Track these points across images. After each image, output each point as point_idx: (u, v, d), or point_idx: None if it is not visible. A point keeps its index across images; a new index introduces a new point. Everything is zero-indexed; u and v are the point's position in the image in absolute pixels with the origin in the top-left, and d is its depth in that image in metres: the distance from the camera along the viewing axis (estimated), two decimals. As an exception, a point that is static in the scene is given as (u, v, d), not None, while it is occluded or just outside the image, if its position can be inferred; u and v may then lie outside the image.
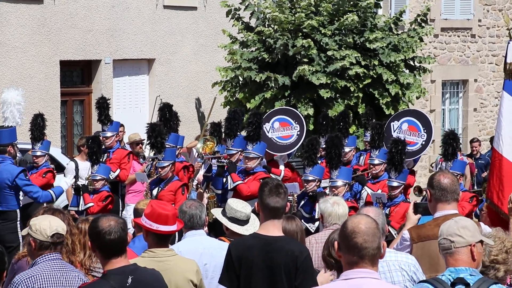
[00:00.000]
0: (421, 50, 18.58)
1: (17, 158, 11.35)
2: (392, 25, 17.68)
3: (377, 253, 4.33)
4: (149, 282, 5.22)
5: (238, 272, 5.92)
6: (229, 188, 11.65)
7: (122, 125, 14.90)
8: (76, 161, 13.59)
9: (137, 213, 7.13)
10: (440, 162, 12.37)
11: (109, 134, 13.06)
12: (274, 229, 5.94)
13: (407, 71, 17.67)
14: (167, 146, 12.13)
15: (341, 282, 4.35)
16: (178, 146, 12.67)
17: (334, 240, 5.61)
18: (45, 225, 5.76)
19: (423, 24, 17.95)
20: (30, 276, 5.63)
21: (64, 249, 6.16)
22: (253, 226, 7.06)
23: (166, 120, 12.79)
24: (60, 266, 5.73)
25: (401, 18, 17.86)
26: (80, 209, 11.59)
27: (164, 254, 6.07)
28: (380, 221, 6.13)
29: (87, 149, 12.22)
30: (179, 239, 8.47)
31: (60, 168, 13.59)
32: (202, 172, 12.55)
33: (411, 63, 17.81)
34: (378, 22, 17.57)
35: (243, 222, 7.09)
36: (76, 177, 13.18)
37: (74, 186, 12.04)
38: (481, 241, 4.93)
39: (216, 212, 7.27)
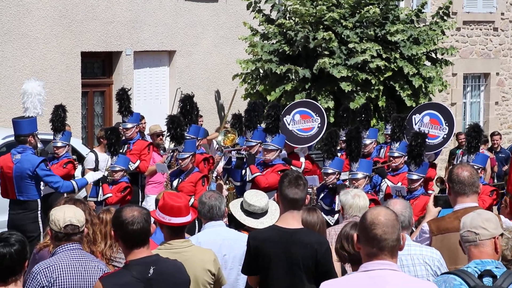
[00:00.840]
0: (442, 43, 18.49)
1: (38, 148, 11.39)
2: (414, 18, 17.61)
3: (397, 245, 4.33)
4: (170, 273, 5.22)
5: (257, 263, 5.94)
6: (247, 180, 11.64)
7: (143, 117, 14.94)
8: (95, 152, 13.63)
9: (157, 203, 7.15)
10: (461, 155, 12.31)
11: (129, 125, 13.07)
12: (293, 221, 5.94)
13: (428, 64, 17.59)
14: (187, 137, 12.13)
15: (361, 273, 4.35)
16: (198, 138, 12.68)
17: (347, 233, 5.60)
18: (59, 216, 5.78)
19: (445, 18, 17.86)
20: (48, 266, 5.65)
21: (85, 239, 6.19)
22: (271, 218, 7.06)
23: (187, 111, 12.79)
24: (80, 256, 5.75)
25: (423, 11, 17.78)
26: (98, 200, 11.62)
27: (181, 246, 6.06)
28: (407, 214, 6.11)
29: (106, 140, 12.25)
30: (200, 230, 8.49)
31: (81, 159, 13.64)
32: (222, 164, 12.56)
33: (433, 55, 17.73)
34: (400, 14, 17.51)
35: (258, 215, 7.09)
36: (96, 168, 13.22)
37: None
38: (502, 234, 4.93)
39: (233, 206, 7.28)
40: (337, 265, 6.04)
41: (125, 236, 5.18)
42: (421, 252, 6.03)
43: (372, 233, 4.31)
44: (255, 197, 7.21)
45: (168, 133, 12.12)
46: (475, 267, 4.79)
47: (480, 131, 12.17)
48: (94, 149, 14.06)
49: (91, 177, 11.80)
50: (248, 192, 7.41)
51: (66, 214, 5.77)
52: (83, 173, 13.35)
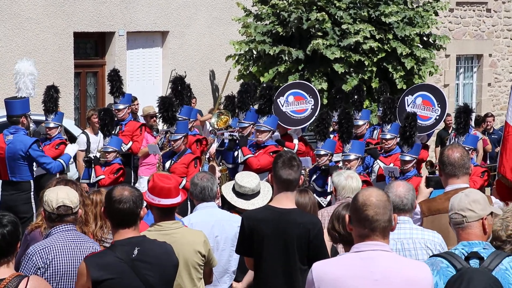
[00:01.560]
0: (437, 28, 18.46)
1: (31, 129, 11.37)
2: (408, -1, 17.59)
3: (388, 226, 4.34)
4: (156, 254, 5.19)
5: (252, 243, 5.95)
6: (239, 162, 11.65)
7: (136, 98, 14.91)
8: (87, 133, 13.61)
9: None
10: (453, 137, 12.33)
11: (121, 106, 13.06)
12: (287, 201, 5.96)
13: (421, 46, 17.58)
14: (179, 119, 12.11)
15: (353, 254, 4.36)
16: (191, 119, 12.66)
17: (339, 213, 5.61)
18: (52, 197, 5.77)
19: (438, -3, 17.85)
20: (44, 247, 5.65)
21: (77, 220, 6.19)
22: (262, 200, 7.07)
23: (178, 92, 12.77)
24: (75, 237, 5.75)
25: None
26: (91, 181, 11.61)
27: (170, 227, 6.06)
28: (410, 197, 6.10)
29: (99, 121, 12.22)
30: (192, 211, 8.49)
31: (73, 140, 13.61)
32: (215, 146, 12.55)
33: (425, 39, 17.72)
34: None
35: (249, 196, 7.10)
36: (87, 150, 13.20)
37: (85, 159, 12.06)
38: (491, 213, 4.94)
39: (225, 188, 7.28)
40: (328, 246, 6.06)
41: (111, 214, 5.18)
42: (423, 236, 6.01)
43: (363, 214, 4.32)
44: (246, 179, 7.22)
45: (160, 115, 12.11)
46: (462, 248, 4.81)
47: (469, 112, 12.19)
48: (85, 130, 14.04)
49: (71, 149, 11.76)
50: (239, 173, 7.42)
51: (59, 195, 5.77)
52: (75, 156, 13.33)
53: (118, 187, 5.27)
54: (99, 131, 12.84)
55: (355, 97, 13.54)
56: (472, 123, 16.22)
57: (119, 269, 5.06)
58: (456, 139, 11.92)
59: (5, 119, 11.61)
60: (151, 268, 5.13)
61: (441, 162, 6.34)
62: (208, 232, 6.69)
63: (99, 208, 7.08)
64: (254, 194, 7.14)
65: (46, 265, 5.61)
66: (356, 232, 4.37)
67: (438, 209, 6.26)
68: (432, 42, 17.76)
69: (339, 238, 5.28)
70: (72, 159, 12.10)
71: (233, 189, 7.22)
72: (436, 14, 17.85)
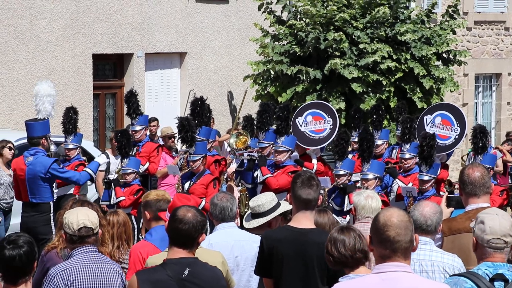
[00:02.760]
0: (456, 44, 18.45)
1: (51, 150, 11.42)
2: (424, 18, 17.58)
3: (410, 246, 4.31)
4: (205, 277, 5.25)
5: (271, 264, 5.94)
6: (258, 181, 11.65)
7: (156, 119, 14.96)
8: (107, 154, 13.65)
9: (147, 204, 7.09)
10: (473, 156, 12.29)
11: (138, 127, 13.10)
12: (306, 221, 5.94)
13: (439, 63, 17.56)
14: (198, 139, 12.14)
15: (374, 275, 4.34)
16: (210, 140, 12.68)
17: (332, 236, 5.47)
18: (73, 219, 5.78)
19: (455, 16, 17.83)
20: (65, 269, 5.66)
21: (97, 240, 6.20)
22: (262, 220, 7.02)
23: (197, 114, 12.80)
24: (96, 258, 5.77)
25: (433, 11, 17.75)
26: (111, 203, 11.63)
27: None
28: (435, 219, 6.02)
29: (117, 143, 12.25)
30: (211, 232, 8.48)
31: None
32: (234, 166, 12.55)
33: (445, 55, 17.70)
34: (410, 13, 17.50)
35: (254, 215, 7.07)
36: (107, 170, 13.22)
37: (105, 180, 12.09)
38: None
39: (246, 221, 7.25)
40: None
41: (170, 230, 5.29)
42: (442, 259, 5.95)
43: (385, 235, 4.29)
44: (255, 198, 7.22)
45: (179, 135, 12.13)
46: (486, 269, 4.75)
47: (485, 132, 12.19)
48: (106, 151, 14.08)
49: (101, 158, 11.82)
50: (252, 200, 7.39)
51: (79, 217, 5.78)
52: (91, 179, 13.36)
53: (184, 207, 5.37)
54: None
55: (374, 116, 13.53)
56: (492, 142, 16.16)
57: (168, 287, 5.12)
58: (475, 159, 11.89)
59: (25, 140, 11.68)
60: None
61: (461, 181, 6.29)
62: (228, 252, 6.68)
63: (116, 229, 7.10)
64: (259, 214, 7.08)
65: (67, 286, 5.62)
66: (377, 253, 4.34)
67: (459, 229, 6.21)
68: (452, 58, 17.73)
69: (333, 261, 5.25)
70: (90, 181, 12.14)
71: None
72: (454, 32, 17.83)
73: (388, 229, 4.29)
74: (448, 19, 17.82)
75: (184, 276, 5.14)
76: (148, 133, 13.65)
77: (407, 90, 16.88)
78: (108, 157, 13.47)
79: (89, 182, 12.80)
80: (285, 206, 7.00)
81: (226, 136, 14.72)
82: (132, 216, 11.34)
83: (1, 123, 16.07)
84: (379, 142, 13.06)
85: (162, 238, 6.77)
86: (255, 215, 7.04)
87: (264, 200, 7.01)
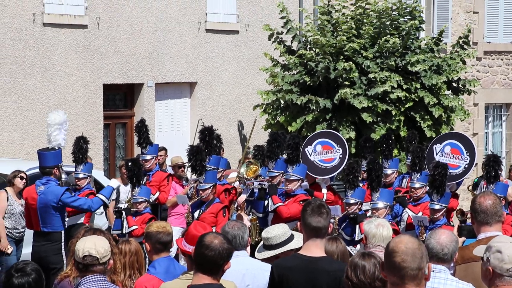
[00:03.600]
0: (465, 72, 18.48)
1: (63, 179, 11.46)
2: (434, 46, 17.62)
3: (418, 274, 4.28)
4: None
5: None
6: (269, 210, 11.65)
7: (164, 149, 14.98)
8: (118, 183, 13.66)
9: (147, 236, 7.02)
10: (484, 186, 12.27)
11: (148, 157, 13.13)
12: (316, 249, 5.94)
13: (449, 92, 17.58)
14: (208, 168, 12.16)
15: (387, 303, 4.33)
16: (220, 169, 12.69)
17: (353, 261, 5.48)
18: (80, 246, 5.78)
19: (465, 46, 17.87)
20: (73, 298, 5.68)
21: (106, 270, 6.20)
22: (274, 252, 7.02)
23: (207, 142, 12.83)
24: (103, 287, 5.75)
25: (441, 39, 17.80)
26: (124, 232, 11.64)
27: None
28: (451, 248, 5.98)
29: (127, 172, 12.26)
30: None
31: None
32: (244, 196, 12.56)
33: (455, 85, 17.73)
34: (420, 43, 17.54)
35: (267, 247, 7.06)
36: (117, 199, 13.25)
37: (115, 209, 12.11)
38: None
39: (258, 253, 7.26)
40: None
41: (196, 256, 5.31)
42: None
43: (392, 260, 4.30)
44: (265, 232, 7.21)
45: (189, 164, 12.15)
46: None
47: (498, 161, 12.18)
48: (115, 179, 14.09)
49: (114, 182, 11.85)
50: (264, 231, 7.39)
51: (85, 245, 5.77)
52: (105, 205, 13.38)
53: (212, 233, 5.40)
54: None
55: (384, 145, 13.53)
56: (504, 172, 16.14)
57: None
58: (487, 188, 11.87)
59: (36, 170, 11.72)
60: None
61: (473, 210, 6.27)
62: (240, 281, 6.67)
63: (128, 257, 7.10)
64: (271, 246, 7.07)
65: (75, 315, 5.62)
66: (389, 280, 4.34)
67: (471, 257, 6.18)
68: (462, 87, 17.75)
69: (351, 286, 5.22)
70: (102, 209, 12.16)
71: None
72: (464, 62, 17.87)
73: (395, 255, 4.29)
74: (458, 49, 17.86)
75: None
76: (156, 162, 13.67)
77: (417, 119, 16.89)
78: (118, 188, 13.47)
79: (98, 212, 12.82)
80: (297, 243, 6.99)
81: (232, 178, 14.43)
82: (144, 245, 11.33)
83: (12, 153, 16.13)
84: (388, 171, 13.04)
85: (166, 270, 6.76)
86: (267, 247, 7.04)
87: (277, 232, 7.00)
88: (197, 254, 5.28)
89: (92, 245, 5.78)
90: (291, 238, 7.02)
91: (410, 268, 4.26)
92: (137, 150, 16.96)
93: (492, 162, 12.04)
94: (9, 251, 12.04)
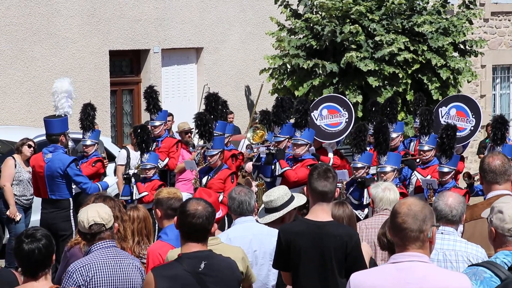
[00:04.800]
0: (472, 33, 18.38)
1: (69, 147, 11.47)
2: (440, 8, 17.53)
3: (419, 236, 4.28)
4: (221, 269, 5.27)
5: (289, 257, 5.96)
6: (277, 174, 11.66)
7: (170, 114, 14.97)
8: (128, 149, 13.68)
9: (158, 202, 6.99)
10: (491, 147, 12.25)
11: (157, 123, 13.11)
12: (323, 214, 5.95)
13: (456, 54, 17.51)
14: (215, 134, 12.16)
15: (389, 265, 4.35)
16: (226, 134, 12.69)
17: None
18: (83, 217, 5.80)
19: (471, 6, 17.77)
20: (84, 265, 5.68)
21: (116, 235, 6.23)
22: (278, 214, 7.03)
23: (212, 108, 12.81)
24: (115, 253, 5.78)
25: (448, 1, 17.70)
26: (134, 198, 11.68)
27: (209, 243, 6.05)
28: (459, 209, 6.02)
29: (136, 138, 12.28)
30: (229, 226, 8.50)
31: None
32: (251, 162, 12.56)
33: (462, 46, 17.64)
34: (426, 5, 17.44)
35: (273, 210, 7.07)
36: (127, 165, 13.26)
37: (124, 175, 12.14)
38: None
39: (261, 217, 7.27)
40: (367, 258, 6.04)
41: (183, 226, 5.27)
42: (466, 249, 5.94)
43: (394, 221, 4.33)
44: (268, 192, 7.21)
45: (197, 131, 12.15)
46: (503, 258, 4.76)
47: (505, 122, 12.16)
48: (126, 146, 14.12)
49: (110, 180, 11.94)
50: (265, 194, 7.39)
51: (89, 215, 5.78)
52: (115, 170, 13.42)
53: (192, 200, 5.36)
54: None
55: (388, 109, 13.48)
56: (510, 133, 16.09)
57: (185, 282, 5.14)
58: (493, 149, 11.85)
59: (44, 138, 11.74)
60: (215, 282, 5.21)
61: (482, 170, 6.34)
62: (247, 246, 6.70)
63: (136, 224, 7.12)
64: (272, 209, 7.08)
65: (86, 283, 5.64)
66: (394, 242, 4.37)
67: (480, 215, 6.23)
68: (469, 48, 17.67)
69: (387, 245, 5.25)
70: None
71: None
72: (471, 22, 17.77)
73: (397, 216, 4.31)
74: (464, 9, 17.76)
75: (200, 269, 5.16)
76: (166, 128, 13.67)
77: (425, 81, 16.83)
78: (128, 153, 13.49)
79: (109, 181, 12.90)
80: (299, 200, 7.01)
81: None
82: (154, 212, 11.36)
83: (19, 120, 16.16)
84: (394, 135, 13.00)
85: (177, 236, 6.77)
86: (269, 210, 7.05)
87: (277, 194, 7.00)
88: (184, 223, 5.24)
89: (95, 213, 5.79)
90: (292, 198, 7.04)
91: (410, 229, 4.27)
92: (144, 117, 16.98)
93: (499, 124, 12.02)
94: (17, 218, 12.11)
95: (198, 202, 5.32)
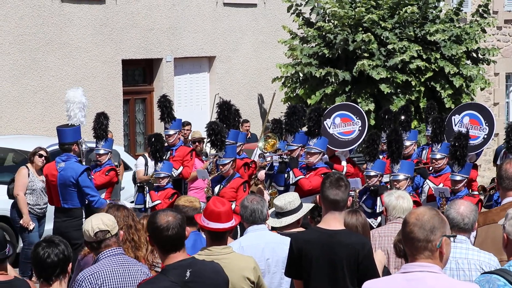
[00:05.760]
0: (484, 41, 18.35)
1: (83, 149, 11.49)
2: (453, 16, 17.51)
3: (427, 246, 4.23)
4: (207, 274, 5.24)
5: (300, 265, 5.95)
6: (290, 183, 11.64)
7: (189, 124, 15.02)
8: (146, 157, 13.70)
9: (176, 209, 6.87)
10: (504, 155, 12.21)
11: (171, 132, 13.13)
12: (335, 222, 5.94)
13: (469, 62, 17.48)
14: (227, 143, 12.16)
15: (399, 275, 4.31)
16: (239, 143, 12.69)
17: None
18: (88, 226, 5.82)
19: (485, 15, 17.74)
20: (93, 273, 5.69)
21: (129, 244, 6.24)
22: (291, 218, 7.07)
23: (224, 117, 12.82)
24: (122, 261, 5.78)
25: (461, 8, 17.68)
26: (147, 207, 11.69)
27: (220, 252, 6.04)
28: (471, 217, 6.00)
29: (150, 147, 12.30)
30: (242, 234, 8.49)
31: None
32: (263, 171, 12.55)
33: (474, 55, 17.61)
34: (439, 13, 17.43)
35: (279, 214, 7.13)
36: (145, 172, 13.28)
37: (138, 185, 12.15)
38: None
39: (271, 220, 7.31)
40: (379, 267, 6.03)
41: (160, 242, 5.20)
42: (479, 257, 5.93)
43: (403, 231, 4.30)
44: (280, 197, 7.27)
45: (209, 140, 12.16)
46: (516, 266, 4.74)
47: None
48: (144, 154, 14.15)
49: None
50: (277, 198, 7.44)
51: (93, 223, 5.82)
52: (134, 176, 13.43)
53: (160, 214, 5.28)
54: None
55: (402, 117, 13.47)
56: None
57: None
58: (506, 157, 11.81)
59: (57, 147, 11.77)
60: (203, 287, 5.18)
61: (499, 176, 6.34)
62: (259, 255, 6.69)
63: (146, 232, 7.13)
64: (284, 213, 7.14)
65: (95, 290, 5.66)
66: (406, 251, 4.35)
67: (493, 219, 6.23)
68: (482, 56, 17.64)
69: (403, 252, 5.23)
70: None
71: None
72: (484, 31, 17.74)
73: (405, 225, 4.28)
74: (478, 18, 17.73)
75: (187, 278, 5.11)
76: (181, 137, 13.69)
77: (438, 88, 16.80)
78: (146, 161, 13.49)
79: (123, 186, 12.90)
80: (308, 206, 7.06)
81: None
82: None
83: (32, 129, 16.21)
84: (407, 143, 12.98)
85: (193, 245, 6.78)
86: (281, 214, 7.07)
87: (291, 198, 7.07)
88: (161, 238, 5.17)
89: (99, 221, 5.82)
90: (301, 204, 7.10)
91: (417, 239, 4.22)
92: (157, 125, 17.02)
93: (511, 132, 12.01)
94: (30, 227, 12.14)
95: (165, 213, 5.26)
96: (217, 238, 6.07)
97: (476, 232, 6.29)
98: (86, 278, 5.67)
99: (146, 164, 13.42)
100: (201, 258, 5.68)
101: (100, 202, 11.10)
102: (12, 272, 5.91)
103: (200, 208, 7.11)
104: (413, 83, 16.66)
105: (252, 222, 7.00)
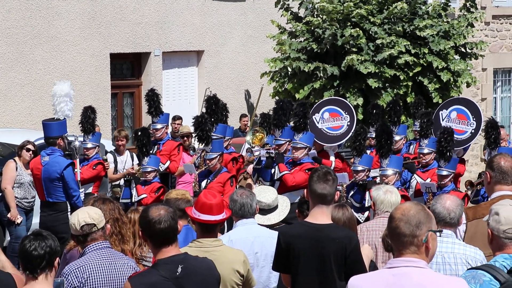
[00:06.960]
0: (472, 36, 18.40)
1: (75, 145, 11.47)
2: (441, 11, 17.54)
3: (413, 241, 4.22)
4: (199, 271, 5.22)
5: (288, 259, 5.96)
6: (275, 178, 11.65)
7: (180, 118, 15.00)
8: (114, 153, 13.67)
9: (166, 203, 6.96)
10: (489, 151, 12.26)
11: (159, 126, 13.12)
12: (322, 216, 5.95)
13: (457, 57, 17.51)
14: (214, 137, 12.15)
15: (386, 270, 4.31)
16: (226, 137, 12.69)
17: None
18: (74, 220, 5.83)
19: (472, 10, 17.78)
20: (79, 267, 5.69)
21: (116, 237, 6.23)
22: (279, 215, 7.10)
23: (212, 111, 12.81)
24: (109, 254, 5.78)
25: (449, 4, 17.71)
26: (133, 201, 11.68)
27: (211, 244, 6.05)
28: (457, 212, 6.02)
29: (137, 141, 12.27)
30: (229, 228, 8.49)
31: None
32: (251, 165, 12.56)
33: (462, 49, 17.65)
34: (428, 8, 17.45)
35: (266, 211, 7.13)
36: (115, 171, 13.29)
37: (125, 178, 12.13)
38: None
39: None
40: (367, 261, 6.04)
41: (152, 236, 5.18)
42: (465, 251, 5.95)
43: (389, 226, 4.30)
44: (262, 194, 7.27)
45: (195, 134, 12.15)
46: (502, 261, 4.74)
47: (496, 126, 12.18)
48: (112, 150, 14.13)
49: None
50: (258, 188, 7.45)
51: (79, 216, 5.83)
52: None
53: (152, 208, 5.28)
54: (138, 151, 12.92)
55: (391, 112, 13.49)
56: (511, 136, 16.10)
57: None
58: (491, 153, 11.85)
59: (43, 140, 11.74)
60: (195, 285, 5.16)
61: (491, 168, 6.26)
62: (248, 248, 6.69)
63: (137, 226, 7.11)
64: (271, 209, 7.16)
65: (81, 284, 5.64)
66: (392, 246, 4.35)
67: (483, 214, 6.21)
68: (469, 50, 17.67)
69: (390, 247, 5.21)
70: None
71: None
72: (472, 26, 17.77)
73: (391, 220, 4.28)
74: (465, 13, 17.77)
75: (178, 273, 5.09)
76: (169, 131, 13.68)
77: (425, 83, 16.83)
78: (115, 158, 13.49)
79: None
80: (285, 200, 7.11)
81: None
82: None
83: (20, 123, 16.16)
84: (396, 137, 13.01)
85: (184, 239, 6.77)
86: (269, 210, 7.08)
87: (274, 193, 7.11)
88: (153, 232, 5.15)
89: (85, 215, 5.82)
90: (276, 206, 7.20)
91: (402, 234, 4.22)
92: (145, 119, 16.99)
93: (489, 128, 12.07)
94: (18, 221, 12.11)
95: (157, 207, 5.25)
96: (208, 230, 6.07)
97: (466, 226, 6.30)
98: (72, 272, 5.66)
99: (115, 161, 13.40)
100: (191, 250, 5.68)
101: (79, 201, 11.07)
102: (7, 264, 5.90)
103: (191, 201, 7.11)
104: (401, 77, 16.68)
105: (241, 216, 7.01)
